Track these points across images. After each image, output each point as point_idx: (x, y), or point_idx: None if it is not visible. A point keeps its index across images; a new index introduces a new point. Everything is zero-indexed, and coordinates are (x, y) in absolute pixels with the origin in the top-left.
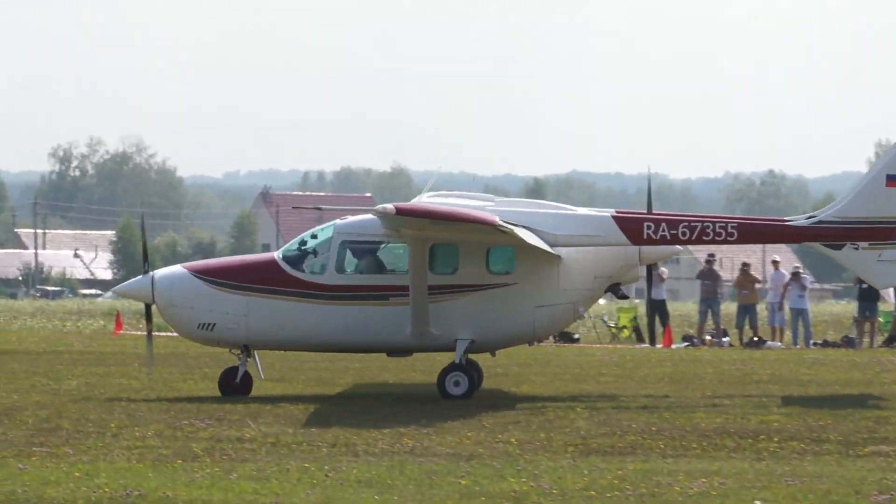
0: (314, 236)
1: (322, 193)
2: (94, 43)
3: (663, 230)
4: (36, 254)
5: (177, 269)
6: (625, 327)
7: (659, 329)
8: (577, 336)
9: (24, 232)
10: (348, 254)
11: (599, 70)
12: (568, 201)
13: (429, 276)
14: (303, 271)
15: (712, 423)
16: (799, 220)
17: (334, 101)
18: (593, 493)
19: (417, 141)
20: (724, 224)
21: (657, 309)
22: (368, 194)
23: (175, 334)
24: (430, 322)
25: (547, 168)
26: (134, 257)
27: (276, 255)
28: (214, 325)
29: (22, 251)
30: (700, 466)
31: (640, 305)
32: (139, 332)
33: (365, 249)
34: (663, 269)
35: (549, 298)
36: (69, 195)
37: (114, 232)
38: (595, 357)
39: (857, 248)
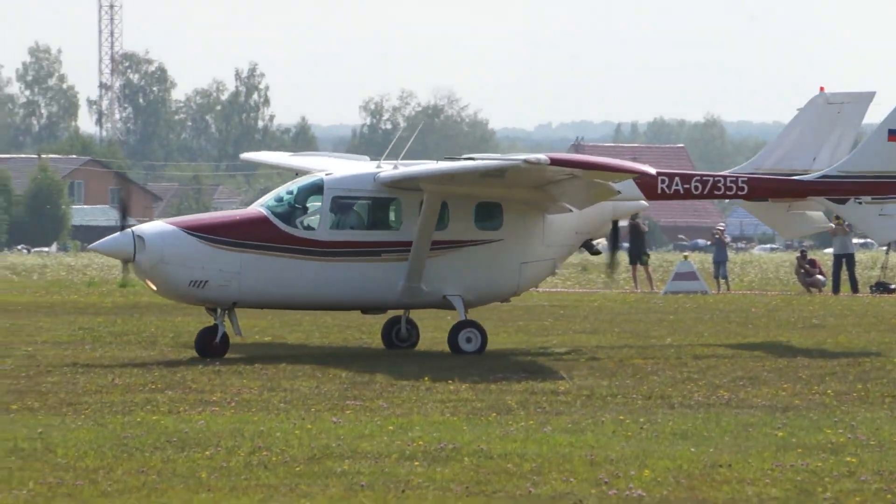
0: (300, 191)
1: (634, 144)
2: None
3: (677, 185)
4: None
5: (165, 225)
6: None
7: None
8: (893, 286)
9: None
10: (341, 209)
11: None
12: None
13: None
14: (296, 227)
15: None
16: (809, 176)
17: (652, 49)
18: None
19: (732, 93)
20: (734, 179)
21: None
22: (681, 145)
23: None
24: (422, 279)
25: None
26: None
27: (264, 210)
28: (207, 282)
29: None
30: None
31: None
32: None
33: (357, 205)
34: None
35: (534, 254)
36: (380, 148)
37: None
38: None
39: (860, 203)
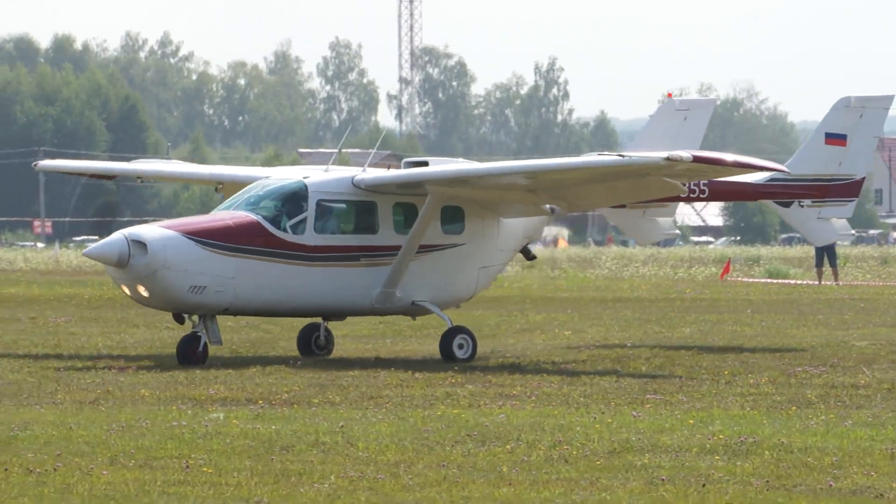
0: (282, 195)
1: None
2: None
3: None
4: None
5: (166, 230)
6: None
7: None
8: None
9: None
10: (325, 213)
11: None
12: None
13: (394, 237)
14: (285, 231)
15: None
16: (758, 179)
17: None
18: None
19: None
20: (696, 182)
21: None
22: None
23: None
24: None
25: None
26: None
27: (254, 214)
28: (205, 287)
29: None
30: None
31: None
32: (748, 280)
33: (339, 209)
34: None
35: (490, 258)
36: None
37: None
38: None
39: (802, 206)
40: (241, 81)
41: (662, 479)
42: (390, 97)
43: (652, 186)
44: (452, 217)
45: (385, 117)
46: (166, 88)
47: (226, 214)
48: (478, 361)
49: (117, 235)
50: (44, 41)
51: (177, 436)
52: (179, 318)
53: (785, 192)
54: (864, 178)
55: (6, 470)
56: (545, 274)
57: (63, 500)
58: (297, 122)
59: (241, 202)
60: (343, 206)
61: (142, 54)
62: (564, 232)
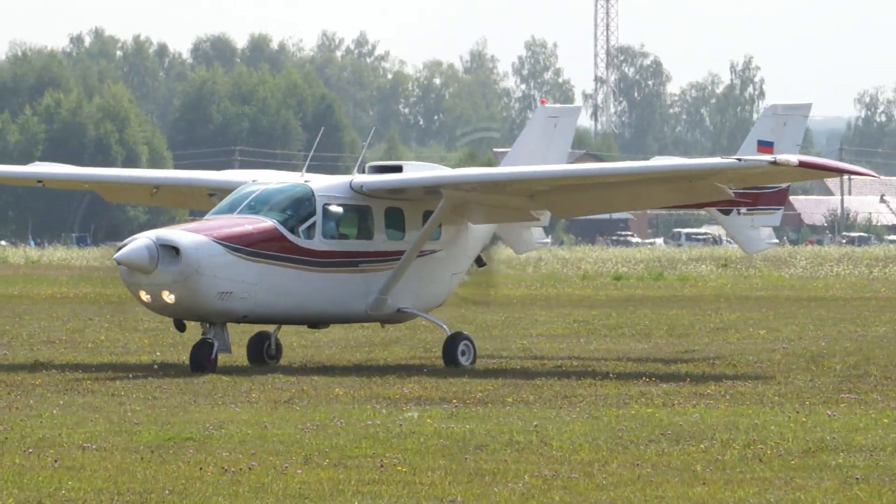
0: (289, 198)
1: None
2: None
3: None
4: (842, 200)
5: (194, 235)
6: None
7: None
8: None
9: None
10: (329, 218)
11: None
12: None
13: (386, 242)
14: (298, 236)
15: None
16: None
17: None
18: None
19: None
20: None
21: None
22: None
23: None
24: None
25: None
26: None
27: (268, 218)
28: (231, 294)
29: (828, 198)
30: None
31: None
32: None
33: (341, 214)
34: None
35: (460, 265)
36: (875, 140)
37: None
38: None
39: (740, 214)
40: (437, 81)
41: (857, 479)
42: (585, 96)
43: (700, 191)
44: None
45: (581, 116)
46: (362, 88)
47: (241, 219)
48: (670, 360)
49: (145, 240)
50: (240, 41)
51: (371, 435)
52: (181, 326)
53: (729, 200)
54: (789, 187)
55: (201, 469)
56: (739, 273)
57: (257, 498)
58: (493, 121)
59: (242, 206)
60: (343, 210)
61: (338, 54)
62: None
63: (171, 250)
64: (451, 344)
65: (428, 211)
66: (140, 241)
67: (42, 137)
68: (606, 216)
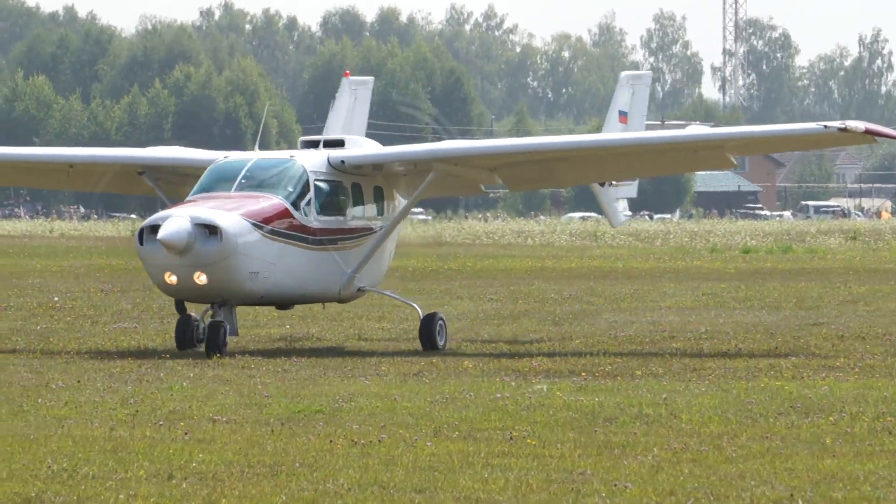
0: (283, 174)
1: None
2: None
3: None
4: None
5: (230, 214)
6: None
7: None
8: None
9: None
10: (320, 195)
11: None
12: None
13: (355, 219)
14: (301, 213)
15: None
16: None
17: None
18: None
19: None
20: None
21: None
22: None
23: None
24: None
25: None
26: None
27: (277, 196)
28: (258, 274)
29: None
30: None
31: None
32: None
33: (330, 189)
34: None
35: (393, 241)
36: None
37: None
38: None
39: (612, 186)
40: (566, 54)
41: None
42: (714, 69)
43: (704, 160)
44: (376, 198)
45: (708, 89)
46: (490, 61)
47: (250, 196)
48: (800, 332)
49: (180, 220)
50: (370, 14)
51: (500, 408)
52: (181, 307)
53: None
54: None
55: (331, 442)
56: (868, 245)
57: (387, 471)
58: None
59: (237, 183)
60: (327, 187)
61: (466, 27)
62: (888, 204)
63: (206, 229)
64: (428, 324)
65: (377, 187)
66: (178, 221)
67: (172, 111)
68: (735, 188)
